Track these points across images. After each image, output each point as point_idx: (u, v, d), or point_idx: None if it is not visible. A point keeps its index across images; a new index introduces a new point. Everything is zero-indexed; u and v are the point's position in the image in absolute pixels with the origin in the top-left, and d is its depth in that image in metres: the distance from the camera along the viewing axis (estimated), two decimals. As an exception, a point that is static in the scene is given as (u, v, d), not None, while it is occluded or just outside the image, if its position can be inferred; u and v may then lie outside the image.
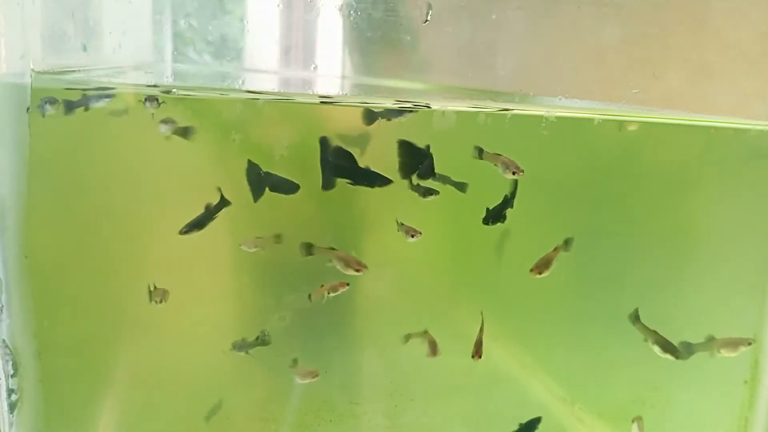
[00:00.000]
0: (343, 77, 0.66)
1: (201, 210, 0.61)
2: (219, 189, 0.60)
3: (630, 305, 0.69)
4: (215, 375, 0.67)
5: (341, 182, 0.62)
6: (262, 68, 0.68)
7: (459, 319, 0.69)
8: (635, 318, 0.68)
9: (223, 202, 0.61)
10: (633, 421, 0.71)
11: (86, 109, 0.58)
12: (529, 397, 0.70)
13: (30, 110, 0.55)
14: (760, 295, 0.72)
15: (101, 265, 0.63)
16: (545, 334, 0.69)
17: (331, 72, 0.66)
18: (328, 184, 0.62)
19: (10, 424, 0.61)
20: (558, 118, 0.63)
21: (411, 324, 0.67)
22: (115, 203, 0.61)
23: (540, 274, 0.66)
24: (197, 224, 0.61)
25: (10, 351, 0.60)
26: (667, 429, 0.72)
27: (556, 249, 0.66)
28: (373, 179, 0.62)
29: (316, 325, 0.66)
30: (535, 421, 0.70)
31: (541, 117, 0.63)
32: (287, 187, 0.61)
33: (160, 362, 0.66)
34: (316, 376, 0.65)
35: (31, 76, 0.55)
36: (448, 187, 0.64)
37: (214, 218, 0.61)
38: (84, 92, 0.57)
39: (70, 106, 0.57)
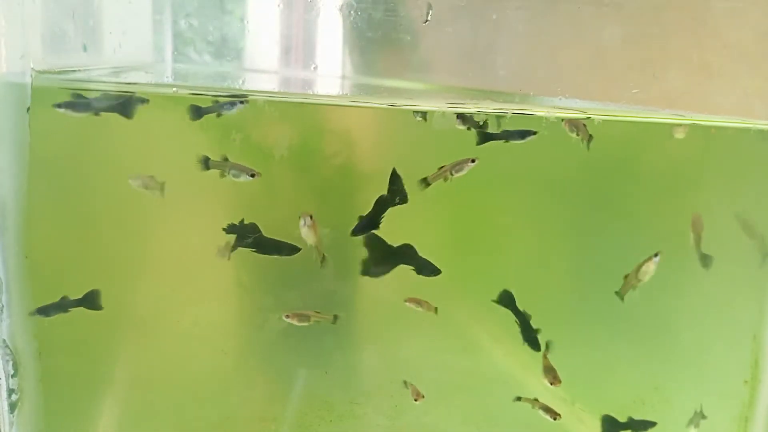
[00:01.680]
0: (344, 77, 0.66)
1: (195, 207, 0.61)
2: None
3: (630, 304, 0.68)
4: (215, 375, 0.67)
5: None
6: (262, 68, 0.68)
7: (459, 318, 0.69)
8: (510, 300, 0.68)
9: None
10: None
11: (218, 116, 0.58)
12: (529, 396, 0.69)
13: (30, 110, 0.55)
14: (760, 294, 0.72)
15: (101, 265, 0.63)
16: (545, 334, 0.69)
17: (331, 72, 0.66)
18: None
19: (11, 424, 0.61)
20: (558, 118, 0.63)
21: (412, 323, 0.67)
22: (116, 203, 0.61)
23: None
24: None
25: (11, 351, 0.60)
26: (668, 429, 0.72)
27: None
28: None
29: (316, 324, 0.66)
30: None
31: (541, 118, 0.63)
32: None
33: (160, 362, 0.66)
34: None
35: (31, 76, 0.55)
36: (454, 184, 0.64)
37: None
38: (216, 99, 0.58)
39: (198, 112, 0.58)
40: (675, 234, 0.70)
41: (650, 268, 0.67)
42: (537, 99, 0.68)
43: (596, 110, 0.65)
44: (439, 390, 0.69)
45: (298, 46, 0.65)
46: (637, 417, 0.70)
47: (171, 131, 0.61)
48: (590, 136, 0.63)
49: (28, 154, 0.56)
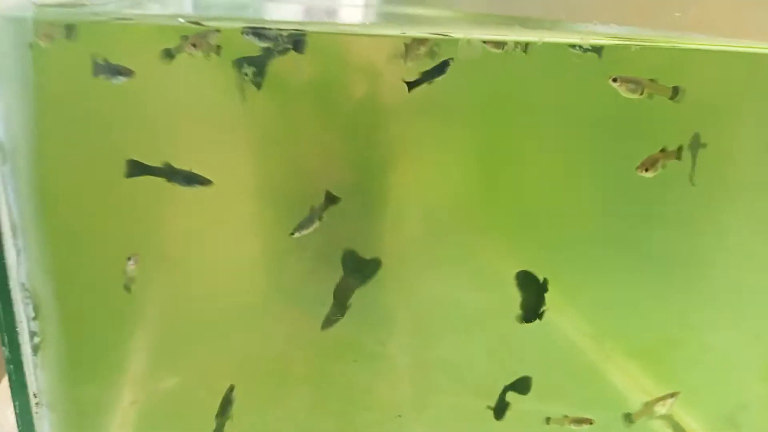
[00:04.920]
0: (367, 6, 0.63)
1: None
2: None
3: (662, 242, 0.66)
4: (240, 315, 0.66)
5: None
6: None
7: (485, 255, 0.67)
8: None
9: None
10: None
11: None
12: (557, 333, 0.68)
13: (32, 45, 0.52)
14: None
15: (117, 204, 0.61)
16: (574, 271, 0.67)
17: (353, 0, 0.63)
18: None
19: (35, 366, 0.62)
20: (592, 45, 0.59)
21: (437, 263, 0.66)
22: (128, 137, 0.59)
23: (646, 171, 0.62)
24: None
25: (30, 294, 0.59)
26: (700, 370, 0.71)
27: (662, 151, 0.63)
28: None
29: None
30: None
31: (573, 45, 0.59)
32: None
33: (182, 299, 0.66)
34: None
35: (32, 10, 0.52)
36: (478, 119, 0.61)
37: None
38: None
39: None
40: (712, 168, 0.66)
41: None
42: (569, 25, 0.63)
43: (633, 36, 0.61)
44: (464, 326, 0.69)
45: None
46: (668, 357, 0.70)
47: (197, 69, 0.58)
48: (675, 89, 0.59)
49: (33, 93, 0.54)
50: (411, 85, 0.57)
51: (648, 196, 0.66)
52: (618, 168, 0.65)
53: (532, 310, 0.66)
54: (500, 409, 0.70)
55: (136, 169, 0.58)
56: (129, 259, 0.60)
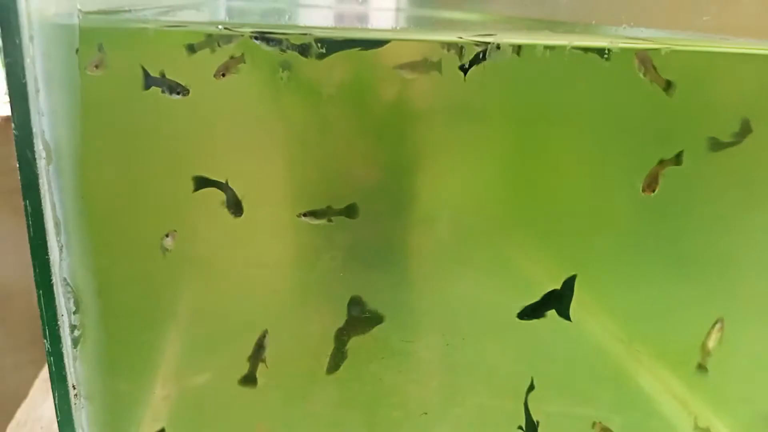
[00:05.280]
0: (398, 10, 0.64)
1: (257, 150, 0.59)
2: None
3: (693, 243, 0.66)
4: (270, 312, 0.67)
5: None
6: (316, 3, 0.65)
7: (511, 258, 0.67)
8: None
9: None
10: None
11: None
12: (585, 336, 0.68)
13: (79, 51, 0.54)
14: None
15: (158, 203, 0.63)
16: (603, 272, 0.67)
17: (385, 5, 0.63)
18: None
19: (74, 359, 0.63)
20: (621, 49, 0.59)
21: (465, 263, 0.66)
22: (169, 141, 0.61)
23: (653, 191, 0.63)
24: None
25: (72, 289, 0.61)
26: (731, 375, 0.70)
27: (661, 162, 0.63)
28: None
29: (368, 264, 0.65)
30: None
31: (603, 49, 0.59)
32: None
33: (218, 298, 0.67)
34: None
35: (78, 17, 0.54)
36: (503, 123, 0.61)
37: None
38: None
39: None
40: (741, 170, 0.66)
41: None
42: (599, 28, 0.64)
43: (664, 39, 0.61)
44: (493, 329, 0.69)
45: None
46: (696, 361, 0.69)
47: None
48: (668, 83, 0.59)
49: (79, 96, 0.56)
50: (465, 71, 0.58)
51: (680, 197, 0.66)
52: (648, 169, 0.65)
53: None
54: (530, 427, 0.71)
55: (201, 183, 0.61)
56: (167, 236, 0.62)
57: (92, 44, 0.55)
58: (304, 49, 0.56)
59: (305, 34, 0.56)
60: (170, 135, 0.60)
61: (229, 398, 0.69)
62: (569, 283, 0.66)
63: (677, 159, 0.63)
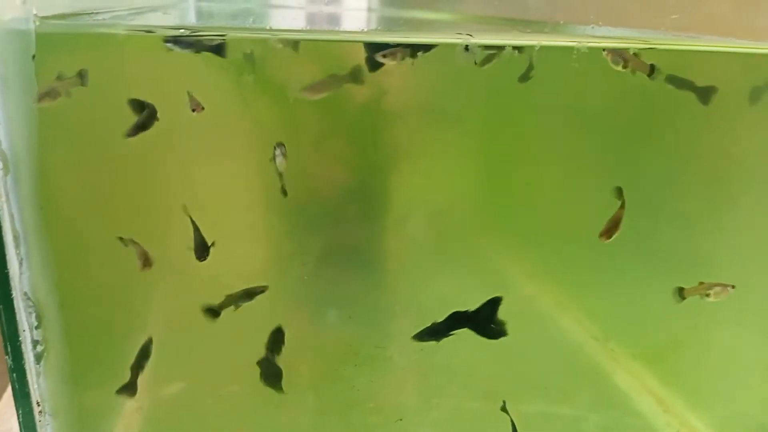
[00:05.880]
0: (369, 10, 0.63)
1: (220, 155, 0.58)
2: None
3: (668, 242, 0.66)
4: (241, 321, 0.66)
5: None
6: (287, 4, 0.64)
7: (486, 259, 0.67)
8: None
9: None
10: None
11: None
12: (562, 335, 0.68)
13: (35, 57, 0.53)
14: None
15: (119, 213, 0.62)
16: (579, 272, 0.67)
17: (356, 5, 0.63)
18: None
19: (38, 374, 0.62)
20: (590, 48, 0.59)
21: (437, 266, 0.66)
22: (131, 149, 0.59)
23: (610, 238, 0.63)
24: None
25: (33, 303, 0.60)
26: (704, 371, 0.71)
27: (622, 207, 0.63)
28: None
29: (341, 268, 0.65)
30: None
31: (572, 48, 0.59)
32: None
33: (184, 307, 0.66)
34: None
35: (34, 22, 0.52)
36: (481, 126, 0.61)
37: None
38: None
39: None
40: (711, 171, 0.66)
41: None
42: (568, 28, 0.63)
43: (633, 39, 0.60)
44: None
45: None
46: (675, 360, 0.69)
47: (187, 71, 0.58)
48: (652, 67, 0.59)
49: (36, 102, 0.54)
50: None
51: (654, 197, 0.66)
52: (622, 171, 0.65)
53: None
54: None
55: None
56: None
57: (50, 50, 0.53)
58: (218, 50, 0.55)
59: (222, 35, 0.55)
60: (131, 143, 0.58)
61: (203, 408, 0.68)
62: (490, 306, 0.66)
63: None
